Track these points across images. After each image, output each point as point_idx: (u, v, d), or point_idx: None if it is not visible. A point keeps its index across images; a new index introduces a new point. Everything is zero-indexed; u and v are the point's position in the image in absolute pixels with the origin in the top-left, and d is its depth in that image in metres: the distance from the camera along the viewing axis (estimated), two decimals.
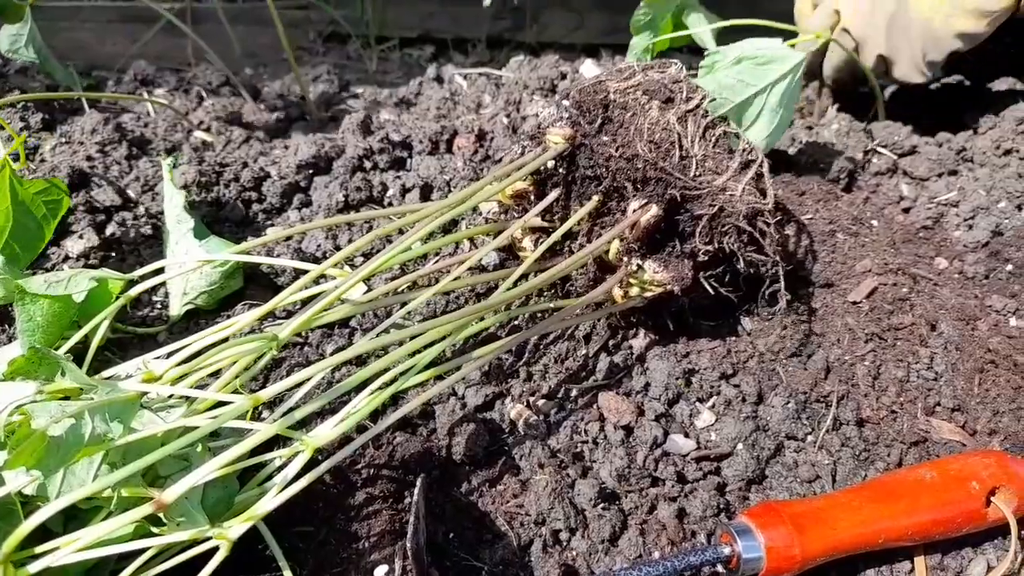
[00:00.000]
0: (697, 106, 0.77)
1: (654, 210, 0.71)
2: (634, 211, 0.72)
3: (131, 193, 0.94)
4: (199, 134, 1.11)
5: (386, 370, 0.65)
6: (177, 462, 0.56)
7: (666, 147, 0.73)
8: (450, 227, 0.92)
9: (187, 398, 0.62)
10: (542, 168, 0.78)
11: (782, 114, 0.93)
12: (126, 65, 1.58)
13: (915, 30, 0.98)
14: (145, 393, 0.57)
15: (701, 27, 1.01)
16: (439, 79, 1.35)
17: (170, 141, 1.07)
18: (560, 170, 0.78)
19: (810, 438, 0.74)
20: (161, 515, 0.52)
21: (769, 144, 0.95)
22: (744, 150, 0.78)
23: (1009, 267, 0.92)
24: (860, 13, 1.00)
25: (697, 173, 0.74)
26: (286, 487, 0.56)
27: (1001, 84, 1.32)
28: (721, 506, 0.69)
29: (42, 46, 1.16)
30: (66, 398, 0.56)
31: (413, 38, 1.93)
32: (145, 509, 0.49)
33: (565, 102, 0.77)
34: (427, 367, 0.69)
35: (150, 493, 0.51)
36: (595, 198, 0.75)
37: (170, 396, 0.60)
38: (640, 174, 0.72)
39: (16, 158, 0.97)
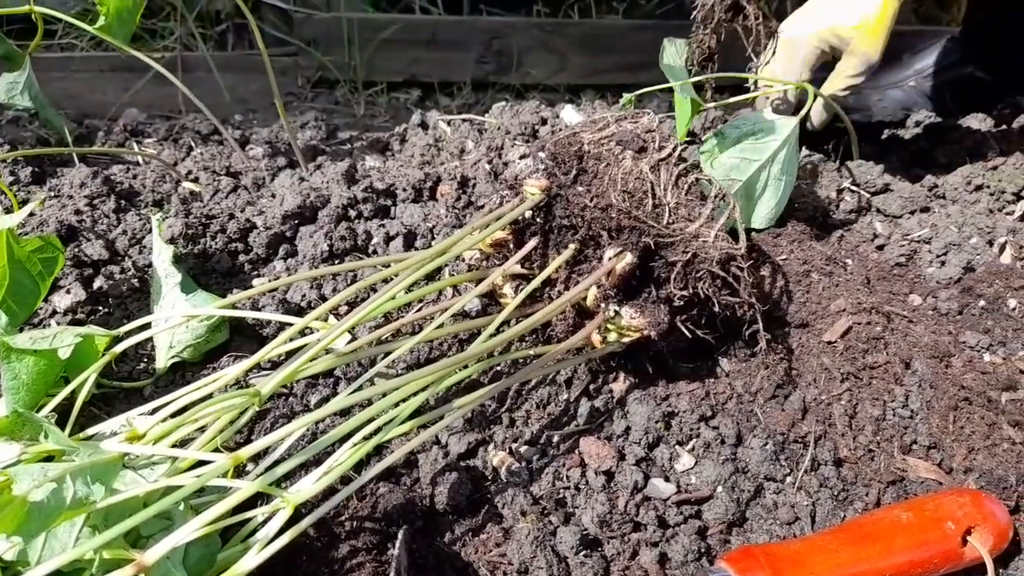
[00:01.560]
0: (670, 155, 0.80)
1: (629, 258, 0.73)
2: (609, 259, 0.73)
3: (119, 246, 0.95)
4: (187, 184, 1.13)
5: (370, 420, 0.66)
6: (159, 521, 0.57)
7: (639, 196, 0.75)
8: (433, 274, 0.94)
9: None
10: (520, 218, 0.80)
11: (786, 180, 0.97)
12: (117, 114, 1.60)
13: None
14: (127, 454, 0.58)
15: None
16: (423, 125, 1.38)
17: (158, 192, 1.09)
18: (538, 219, 0.80)
19: (789, 479, 0.75)
20: None
21: (778, 211, 0.99)
22: (716, 196, 0.80)
23: (982, 303, 0.94)
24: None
25: (670, 220, 0.76)
26: (268, 544, 0.57)
27: (971, 120, 1.36)
28: (702, 550, 0.69)
29: (38, 94, 1.19)
30: (49, 458, 0.57)
31: (400, 82, 1.97)
32: (127, 572, 0.49)
33: (541, 154, 0.79)
34: (410, 417, 0.70)
35: (131, 555, 0.52)
36: (572, 246, 0.77)
37: (152, 454, 0.61)
38: (615, 223, 0.74)
39: (8, 211, 0.99)
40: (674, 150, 0.79)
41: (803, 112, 1.01)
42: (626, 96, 1.03)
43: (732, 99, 1.14)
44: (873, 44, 1.01)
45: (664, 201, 0.76)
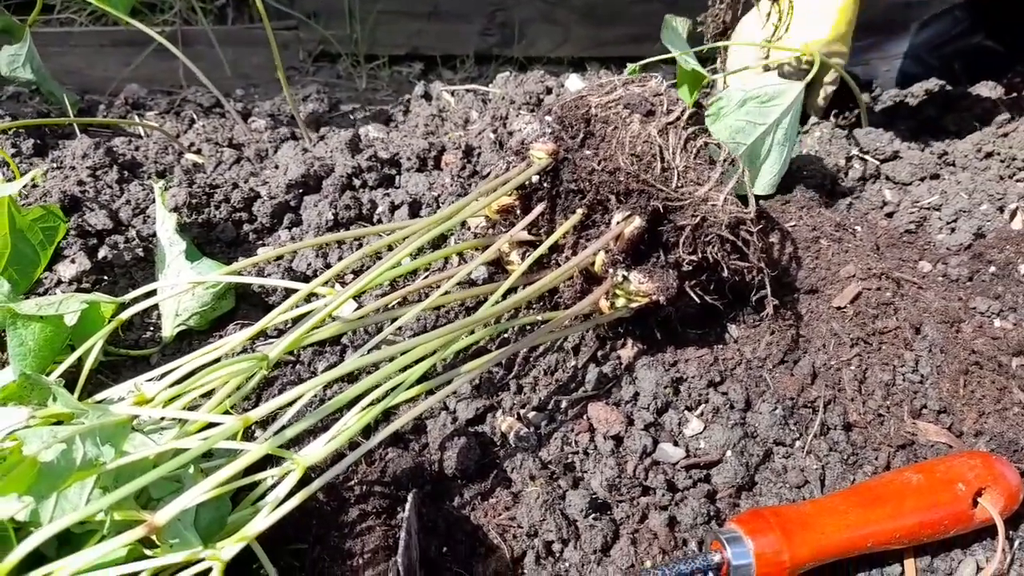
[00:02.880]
0: (678, 118, 0.78)
1: (637, 222, 0.72)
2: (617, 223, 0.73)
3: (122, 216, 0.95)
4: (190, 156, 1.12)
5: (377, 386, 0.66)
6: (169, 484, 0.57)
7: (648, 159, 0.74)
8: (439, 242, 0.93)
9: (179, 419, 0.62)
10: (527, 183, 0.79)
11: (788, 146, 0.96)
12: (118, 88, 1.59)
13: None
14: (136, 416, 0.58)
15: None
16: (427, 96, 1.36)
17: (161, 164, 1.08)
18: (545, 184, 0.79)
19: (798, 444, 0.74)
20: (154, 537, 0.52)
21: (779, 177, 0.98)
22: (725, 160, 0.79)
23: (992, 269, 0.93)
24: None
25: (679, 184, 0.75)
26: (278, 506, 0.56)
27: (981, 88, 1.34)
28: (711, 514, 0.69)
29: (40, 66, 1.18)
30: (59, 422, 0.57)
31: (402, 56, 1.95)
32: (138, 532, 0.49)
33: (548, 118, 0.78)
34: (418, 382, 0.70)
35: (142, 516, 0.52)
36: (579, 211, 0.76)
37: (161, 418, 0.61)
38: (623, 187, 0.73)
39: (10, 180, 0.98)
40: (682, 114, 0.78)
41: (808, 77, 1.00)
42: (631, 66, 1.02)
43: (739, 70, 1.12)
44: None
45: (673, 165, 0.75)
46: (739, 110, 0.91)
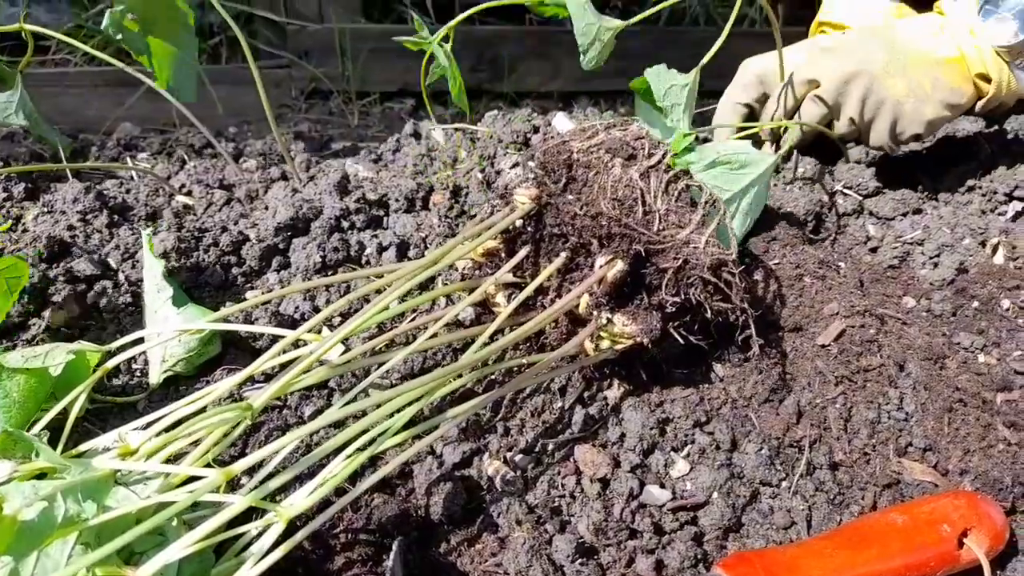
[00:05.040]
0: (659, 161, 0.80)
1: (620, 265, 0.73)
2: (600, 266, 0.74)
3: (111, 261, 0.95)
4: (180, 198, 1.13)
5: (364, 432, 0.66)
6: (152, 538, 0.56)
7: (629, 203, 0.75)
8: (426, 284, 0.94)
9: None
10: (511, 227, 0.80)
11: (752, 215, 0.93)
12: (111, 128, 1.61)
13: (887, 108, 1.05)
14: (119, 470, 0.58)
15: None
16: (416, 135, 1.38)
17: (151, 206, 1.09)
18: (528, 228, 0.80)
19: (784, 484, 0.75)
20: None
21: (737, 242, 0.93)
22: (707, 202, 0.80)
23: (975, 304, 0.94)
24: (834, 81, 1.05)
25: (661, 227, 0.76)
26: (262, 558, 0.56)
27: (963, 121, 1.36)
28: (699, 556, 0.69)
29: (32, 111, 1.19)
30: (42, 476, 0.57)
31: (393, 92, 1.98)
32: None
33: (531, 163, 0.79)
34: (405, 427, 0.70)
35: (124, 573, 0.52)
36: (563, 255, 0.77)
37: (145, 471, 0.61)
38: (605, 231, 0.74)
39: None
40: (663, 157, 0.80)
41: (781, 152, 0.99)
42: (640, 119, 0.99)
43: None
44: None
45: (654, 208, 0.76)
46: (706, 172, 0.86)
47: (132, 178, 1.22)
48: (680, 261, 0.74)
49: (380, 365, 0.74)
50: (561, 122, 1.24)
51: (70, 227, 0.99)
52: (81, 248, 0.95)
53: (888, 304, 0.93)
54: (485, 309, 0.90)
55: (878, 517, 0.68)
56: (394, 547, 0.64)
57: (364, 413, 0.69)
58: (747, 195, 0.90)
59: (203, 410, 0.68)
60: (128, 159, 1.34)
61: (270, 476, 0.64)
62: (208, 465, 0.62)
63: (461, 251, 0.79)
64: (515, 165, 0.86)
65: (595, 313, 0.76)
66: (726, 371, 0.84)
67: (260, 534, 0.61)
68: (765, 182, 0.93)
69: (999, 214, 1.08)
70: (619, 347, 0.76)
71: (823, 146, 1.20)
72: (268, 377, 0.82)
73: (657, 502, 0.73)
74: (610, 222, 0.74)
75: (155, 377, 0.81)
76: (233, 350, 0.87)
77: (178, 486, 0.62)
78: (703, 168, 0.83)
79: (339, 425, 0.77)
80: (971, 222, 1.05)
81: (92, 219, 1.01)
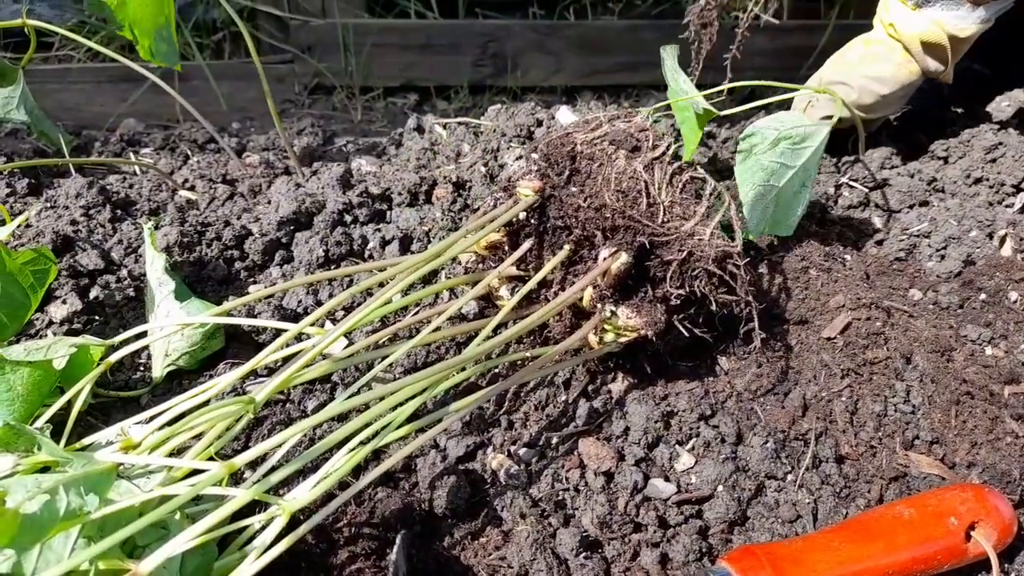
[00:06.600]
0: (663, 153, 0.79)
1: (624, 257, 0.73)
2: (604, 259, 0.73)
3: (114, 256, 0.95)
4: (184, 193, 1.13)
5: (367, 425, 0.66)
6: (155, 531, 0.56)
7: (633, 195, 0.75)
8: (429, 278, 0.94)
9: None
10: (515, 220, 0.80)
11: (809, 189, 0.94)
12: (115, 124, 1.61)
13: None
14: (121, 464, 0.58)
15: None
16: (419, 129, 1.37)
17: (155, 201, 1.09)
18: (532, 221, 0.79)
19: (790, 477, 0.74)
20: None
21: (798, 220, 0.95)
22: (711, 194, 0.80)
23: (983, 296, 0.93)
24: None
25: (665, 219, 0.75)
26: (265, 552, 0.56)
27: (969, 114, 1.35)
28: (703, 550, 0.69)
29: (34, 107, 1.19)
30: (44, 470, 0.57)
31: (396, 87, 1.97)
32: None
33: (534, 155, 0.79)
34: (408, 420, 0.70)
35: (127, 565, 0.52)
36: (567, 247, 0.77)
37: (147, 464, 0.60)
38: (609, 223, 0.74)
39: (1, 223, 0.99)
40: (667, 149, 0.79)
41: (833, 121, 0.98)
42: (644, 110, 0.99)
43: (749, 105, 1.10)
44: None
45: (658, 200, 0.76)
46: (773, 149, 0.87)
47: (135, 173, 1.22)
48: (685, 253, 0.74)
49: (383, 359, 0.74)
50: (565, 116, 1.24)
51: (73, 222, 0.99)
52: (85, 242, 0.95)
53: (894, 296, 0.92)
54: (488, 302, 0.89)
55: (884, 510, 0.68)
56: (397, 541, 0.64)
57: (367, 407, 0.69)
58: (808, 167, 0.90)
59: (206, 404, 0.67)
60: (131, 154, 1.34)
61: (273, 470, 0.64)
62: (211, 459, 0.62)
63: (464, 244, 0.79)
64: (519, 158, 0.85)
65: (599, 306, 0.75)
66: (731, 364, 0.83)
67: (263, 528, 0.61)
68: (819, 155, 0.94)
69: (1006, 206, 1.07)
70: (623, 340, 0.76)
71: (831, 139, 1.19)
72: (271, 371, 0.82)
73: (662, 495, 0.72)
74: (614, 214, 0.73)
75: (158, 371, 0.81)
76: (236, 344, 0.86)
77: (181, 479, 0.62)
78: (768, 147, 0.83)
79: (342, 419, 0.77)
80: (978, 214, 1.04)
81: (95, 214, 1.01)
